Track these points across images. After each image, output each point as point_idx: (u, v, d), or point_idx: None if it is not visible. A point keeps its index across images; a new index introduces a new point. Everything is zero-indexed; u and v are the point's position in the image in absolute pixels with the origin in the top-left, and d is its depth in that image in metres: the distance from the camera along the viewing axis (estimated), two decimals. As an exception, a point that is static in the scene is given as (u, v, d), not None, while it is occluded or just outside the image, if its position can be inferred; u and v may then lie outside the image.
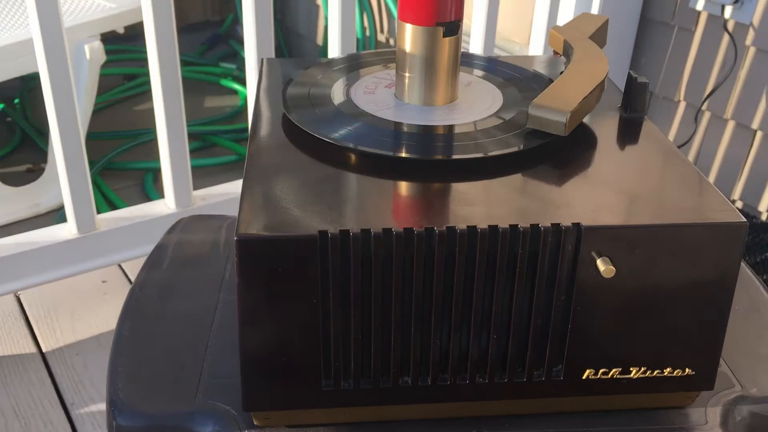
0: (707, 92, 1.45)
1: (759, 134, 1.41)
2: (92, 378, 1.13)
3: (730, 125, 1.45)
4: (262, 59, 0.66)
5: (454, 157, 0.51)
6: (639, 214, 0.47)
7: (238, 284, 0.45)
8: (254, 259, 0.44)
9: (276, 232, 0.44)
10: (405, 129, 0.54)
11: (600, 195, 0.49)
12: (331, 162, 0.52)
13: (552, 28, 0.62)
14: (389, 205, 0.49)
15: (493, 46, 1.35)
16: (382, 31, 2.05)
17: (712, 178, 1.50)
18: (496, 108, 0.57)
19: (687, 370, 0.49)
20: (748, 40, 1.37)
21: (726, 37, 1.40)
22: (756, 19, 1.35)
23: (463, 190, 0.49)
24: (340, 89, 0.59)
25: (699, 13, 1.44)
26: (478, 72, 0.63)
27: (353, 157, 0.52)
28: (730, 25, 1.39)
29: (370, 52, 0.66)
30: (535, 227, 0.45)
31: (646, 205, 0.48)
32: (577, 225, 0.45)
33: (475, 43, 1.35)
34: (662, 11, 1.49)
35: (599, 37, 0.64)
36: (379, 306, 0.46)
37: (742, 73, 1.40)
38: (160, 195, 1.80)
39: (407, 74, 0.56)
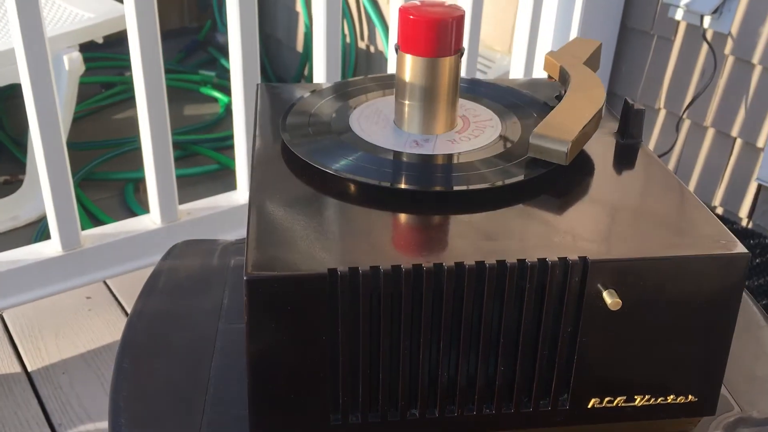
0: (687, 100, 1.47)
1: (738, 142, 1.43)
2: (79, 397, 1.11)
3: (710, 133, 1.47)
4: (257, 85, 0.65)
5: (458, 188, 0.51)
6: (644, 247, 0.47)
7: (246, 322, 0.45)
8: (264, 298, 0.44)
9: (285, 271, 0.44)
10: (408, 159, 0.54)
11: (604, 226, 0.50)
12: (335, 194, 0.52)
13: (547, 54, 0.63)
14: (396, 238, 0.49)
15: (476, 66, 1.36)
16: (362, 38, 2.05)
17: (692, 185, 1.53)
18: (496, 135, 0.58)
19: (690, 396, 0.50)
20: (727, 50, 1.39)
21: (705, 47, 1.42)
22: (734, 29, 1.37)
23: (468, 222, 0.50)
24: (339, 118, 0.59)
25: (678, 22, 1.46)
26: (476, 97, 0.63)
27: (356, 188, 0.52)
28: (709, 35, 1.41)
29: (366, 78, 0.66)
30: (542, 261, 0.45)
31: (651, 236, 0.48)
32: (583, 258, 0.46)
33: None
34: (642, 20, 1.51)
35: (593, 61, 0.64)
36: (387, 340, 0.46)
37: (722, 82, 1.42)
38: (141, 206, 1.79)
39: (407, 102, 0.56)
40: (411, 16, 0.53)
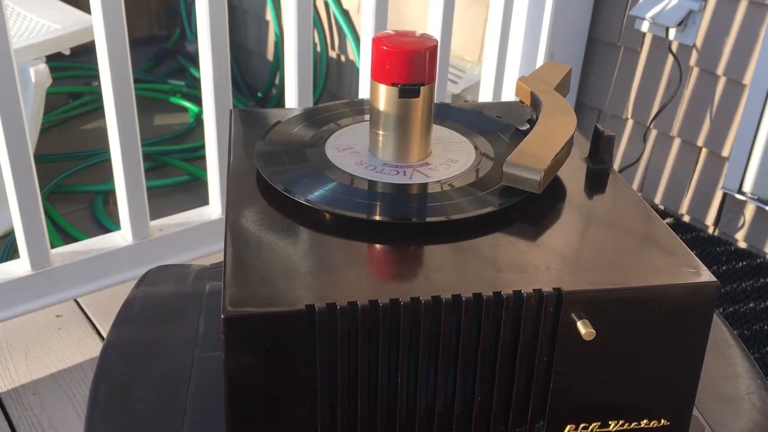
0: (654, 111, 1.50)
1: (704, 151, 1.46)
2: (51, 419, 1.10)
3: (677, 142, 1.50)
4: (230, 111, 0.65)
5: (434, 219, 0.52)
6: (616, 277, 0.48)
7: (224, 359, 0.45)
8: (241, 335, 0.44)
9: (263, 308, 0.44)
10: (383, 189, 0.54)
11: (577, 255, 0.50)
12: (311, 225, 0.52)
13: (518, 79, 0.64)
14: (372, 271, 0.49)
15: (446, 81, 1.37)
16: (333, 47, 2.05)
17: (660, 194, 1.55)
18: (470, 163, 0.58)
19: (663, 420, 0.51)
20: (692, 61, 1.42)
21: (671, 58, 1.45)
22: (699, 41, 1.40)
23: (443, 254, 0.50)
24: (314, 146, 0.59)
25: (644, 34, 1.48)
26: (449, 123, 0.64)
27: (332, 219, 0.52)
28: (675, 47, 1.43)
29: (339, 104, 0.66)
30: (517, 294, 0.46)
31: (623, 266, 0.49)
32: (558, 290, 0.46)
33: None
34: (609, 32, 1.54)
35: (563, 86, 0.65)
36: (365, 373, 0.47)
37: (687, 93, 1.45)
38: (111, 218, 1.77)
39: (381, 132, 0.57)
40: (384, 47, 0.54)
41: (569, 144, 0.57)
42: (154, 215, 1.27)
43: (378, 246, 0.51)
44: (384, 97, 0.55)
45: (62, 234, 1.73)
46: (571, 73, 0.66)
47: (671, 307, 0.48)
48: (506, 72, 1.57)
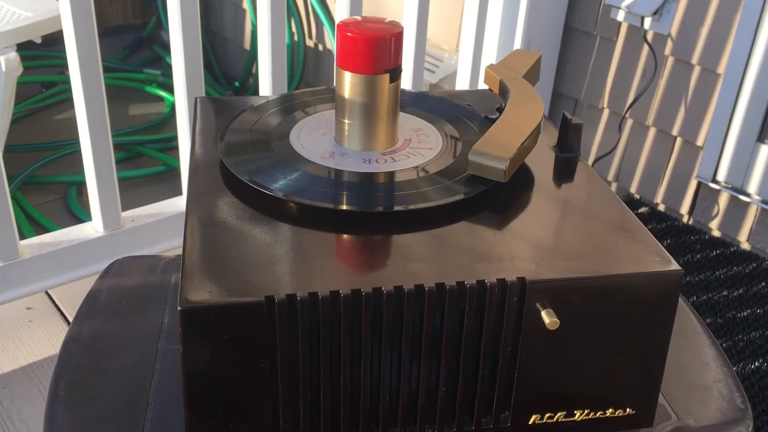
0: (630, 100, 1.50)
1: (679, 140, 1.47)
2: (20, 412, 1.08)
3: (652, 132, 1.50)
4: (196, 99, 0.64)
5: (399, 208, 0.51)
6: (581, 266, 0.48)
7: (182, 353, 0.44)
8: (199, 327, 0.43)
9: (221, 299, 0.43)
10: (348, 179, 0.54)
11: (542, 244, 0.50)
12: (274, 215, 0.51)
13: (487, 66, 0.63)
14: (335, 262, 0.48)
15: (422, 77, 1.36)
16: (310, 36, 2.03)
17: (635, 183, 1.56)
18: (437, 151, 0.58)
19: (628, 409, 0.51)
20: (667, 51, 1.42)
21: (646, 48, 1.45)
22: (674, 31, 1.40)
23: (408, 243, 0.50)
24: (279, 135, 0.58)
25: (620, 23, 1.48)
26: (416, 111, 0.63)
27: (296, 209, 0.51)
28: (650, 36, 1.43)
29: (305, 92, 0.65)
30: (481, 283, 0.46)
31: (587, 255, 0.49)
32: (521, 279, 0.46)
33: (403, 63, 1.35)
34: (585, 21, 1.53)
35: (532, 73, 0.65)
36: (327, 364, 0.46)
37: (662, 82, 1.45)
38: (85, 210, 1.75)
39: (347, 121, 0.56)
40: (349, 33, 0.53)
41: (536, 132, 0.57)
42: (130, 206, 1.25)
43: (341, 236, 0.50)
44: (349, 85, 0.54)
45: (35, 225, 1.70)
46: (540, 60, 0.66)
47: (636, 295, 0.48)
48: (483, 61, 1.56)
